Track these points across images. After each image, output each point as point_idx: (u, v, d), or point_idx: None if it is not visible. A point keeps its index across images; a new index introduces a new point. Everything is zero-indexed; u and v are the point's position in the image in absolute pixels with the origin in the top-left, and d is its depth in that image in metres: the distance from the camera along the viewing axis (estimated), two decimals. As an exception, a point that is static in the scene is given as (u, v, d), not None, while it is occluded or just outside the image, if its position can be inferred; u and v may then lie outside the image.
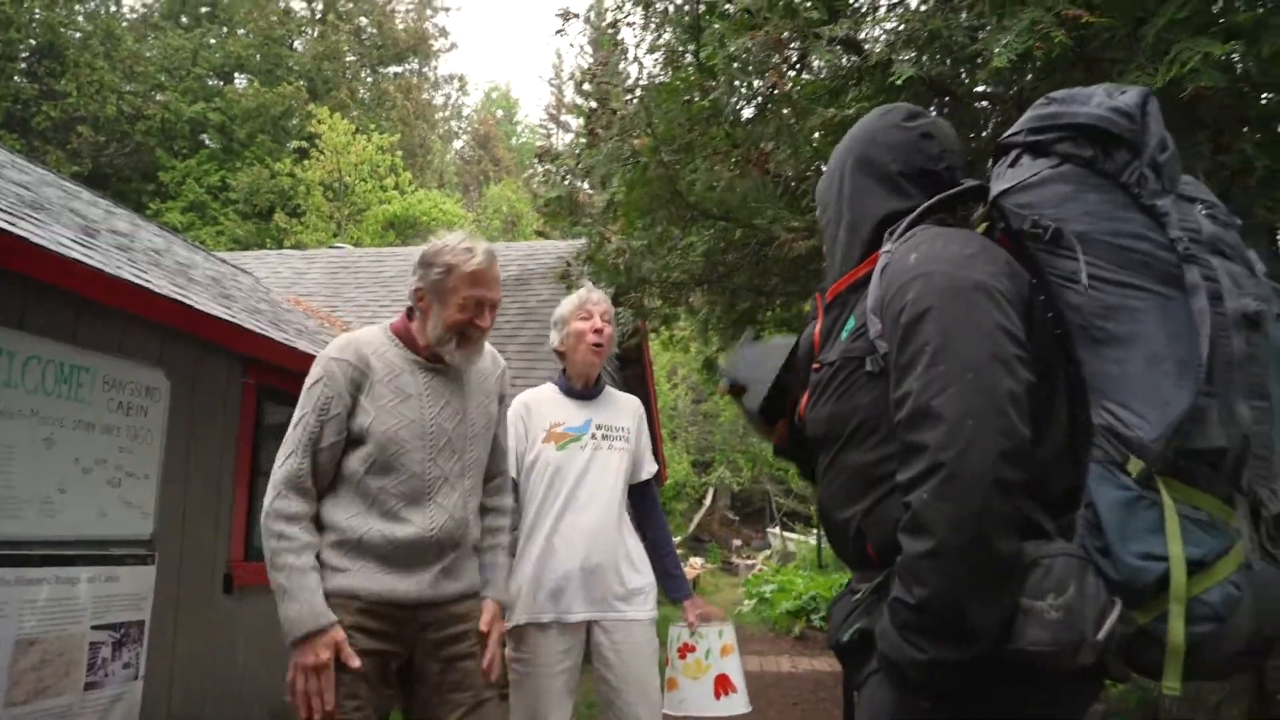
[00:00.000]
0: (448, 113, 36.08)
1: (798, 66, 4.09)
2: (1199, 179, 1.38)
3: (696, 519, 23.51)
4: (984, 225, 1.40)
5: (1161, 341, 1.17)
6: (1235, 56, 2.64)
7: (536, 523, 2.63)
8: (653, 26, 3.91)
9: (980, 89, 3.72)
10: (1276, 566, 1.18)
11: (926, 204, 1.40)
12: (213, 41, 25.26)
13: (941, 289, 1.22)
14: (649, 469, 2.86)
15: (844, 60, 3.83)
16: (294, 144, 23.21)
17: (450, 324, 2.07)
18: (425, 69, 31.90)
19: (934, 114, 4.11)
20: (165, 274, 4.28)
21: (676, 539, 2.80)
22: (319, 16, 27.66)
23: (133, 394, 3.61)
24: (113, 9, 24.78)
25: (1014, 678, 1.19)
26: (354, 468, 2.03)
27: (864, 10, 3.80)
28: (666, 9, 3.84)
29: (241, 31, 25.56)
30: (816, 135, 3.87)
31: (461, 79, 42.71)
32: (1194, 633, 1.12)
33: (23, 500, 3.09)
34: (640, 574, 2.69)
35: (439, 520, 2.06)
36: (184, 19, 25.90)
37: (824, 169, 4.23)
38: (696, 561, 16.00)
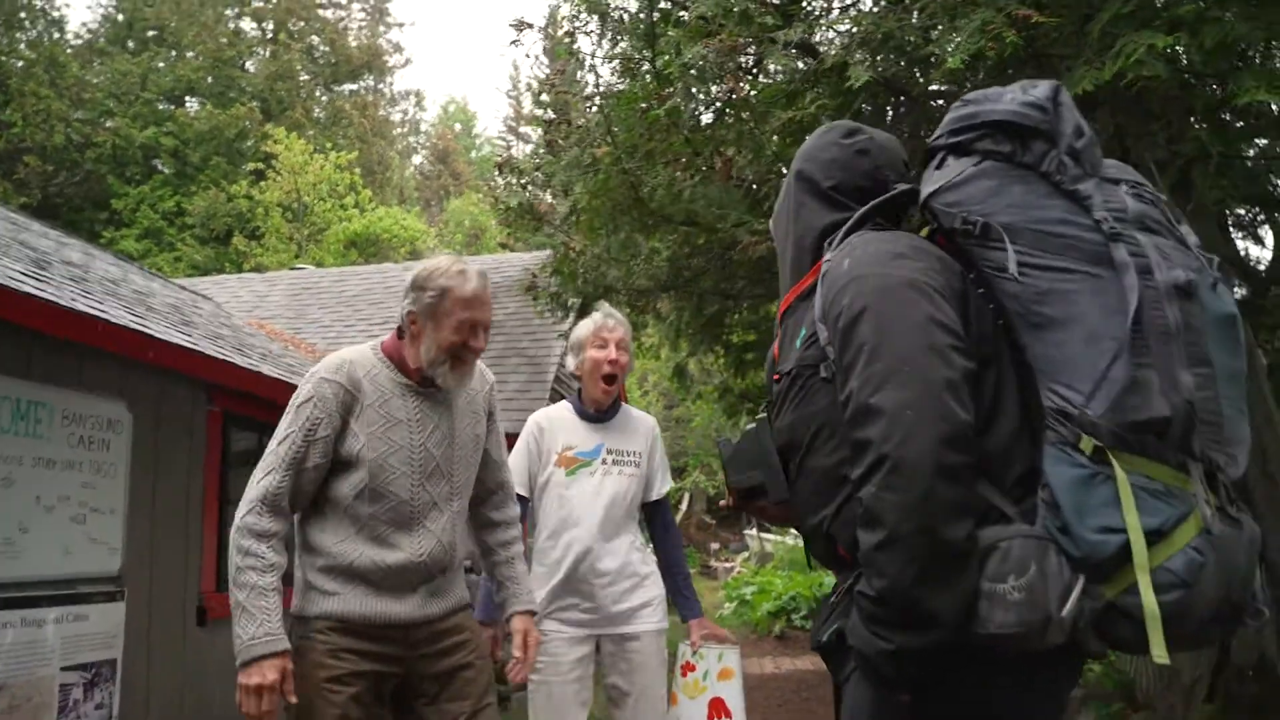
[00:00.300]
0: (405, 129, 35.85)
1: (754, 72, 4.12)
2: (1152, 169, 1.42)
3: (673, 525, 23.46)
4: (926, 228, 1.44)
5: (1097, 320, 1.20)
6: (1179, 49, 2.71)
7: (548, 543, 2.72)
8: (609, 35, 3.92)
9: (935, 88, 3.77)
10: (1236, 529, 1.21)
11: (860, 212, 1.46)
12: (161, 65, 24.87)
13: (873, 290, 1.27)
14: (660, 489, 2.89)
15: (800, 64, 3.86)
16: (250, 166, 22.91)
17: (445, 346, 2.05)
18: (381, 85, 31.68)
19: (890, 114, 4.19)
20: (122, 303, 4.20)
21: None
22: (270, 36, 27.37)
23: (94, 428, 3.53)
24: (56, 36, 24.30)
25: (989, 665, 1.21)
26: (343, 493, 2.02)
27: (817, 14, 3.84)
28: (622, 18, 3.85)
29: (191, 54, 25.20)
30: (775, 138, 3.90)
31: (418, 94, 42.55)
32: (1163, 601, 1.14)
33: (-17, 542, 3.01)
34: (648, 589, 2.76)
35: (427, 546, 2.06)
36: (130, 43, 25.47)
37: (785, 171, 4.27)
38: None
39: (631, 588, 2.72)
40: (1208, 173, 3.22)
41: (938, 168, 1.39)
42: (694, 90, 3.55)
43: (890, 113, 4.14)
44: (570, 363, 2.84)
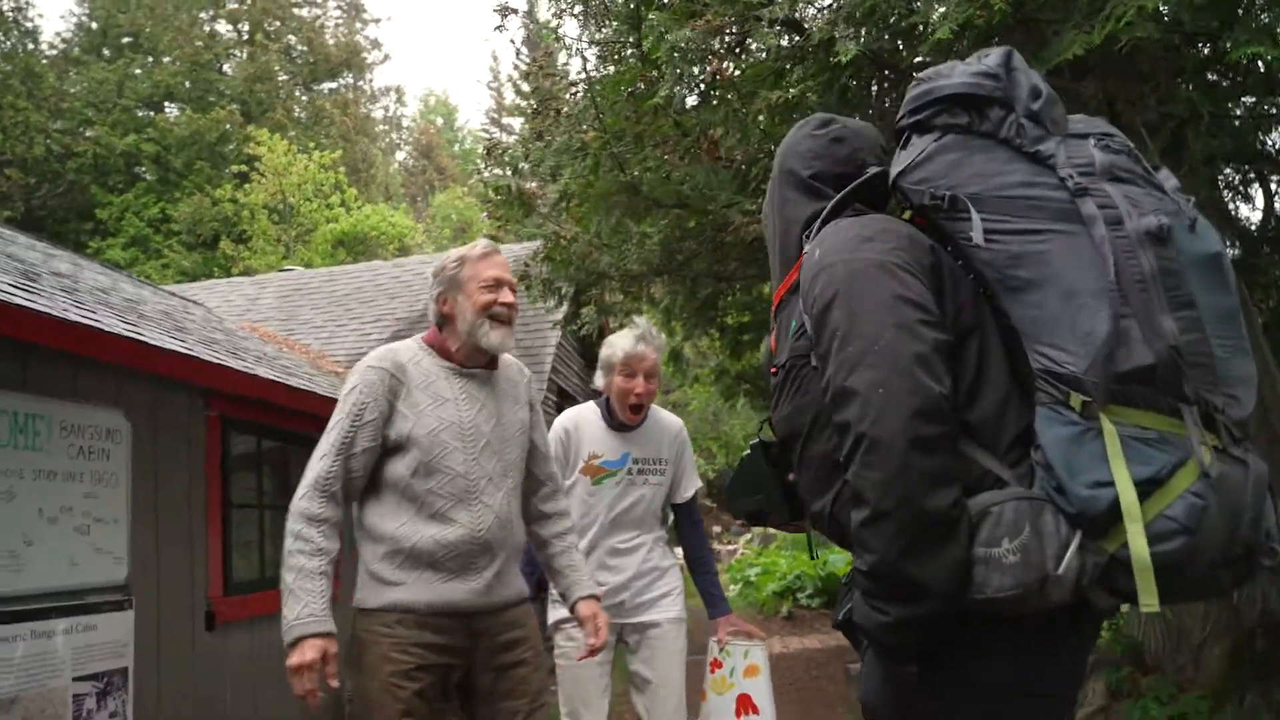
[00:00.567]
0: (387, 125, 35.65)
1: (738, 51, 4.09)
2: (1143, 132, 1.43)
3: (674, 510, 23.53)
4: (907, 210, 1.45)
5: (1072, 277, 1.21)
6: (1166, 8, 2.70)
7: None
8: (594, 19, 3.88)
9: (921, 60, 3.75)
10: (1241, 468, 1.21)
11: (834, 201, 1.48)
12: (139, 71, 24.64)
13: (841, 276, 1.30)
14: (687, 491, 2.94)
15: (783, 41, 3.84)
16: (233, 169, 22.75)
17: (479, 307, 2.14)
18: (360, 83, 31.49)
19: (875, 90, 4.17)
20: (114, 312, 4.17)
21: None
22: (246, 38, 27.14)
23: (93, 438, 3.51)
24: (30, 47, 24.06)
25: (992, 631, 1.22)
26: (400, 473, 2.08)
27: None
28: (605, 3, 3.81)
29: (168, 59, 24.97)
30: (762, 118, 3.88)
31: (399, 90, 42.21)
32: (1166, 550, 1.14)
33: (-12, 557, 3.00)
34: (668, 580, 2.83)
35: (486, 520, 2.11)
36: (106, 51, 25.22)
37: (774, 152, 4.25)
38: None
39: (652, 581, 2.79)
40: (1199, 133, 3.22)
41: (902, 148, 1.42)
42: (679, 73, 3.53)
43: (875, 88, 4.13)
44: (599, 380, 2.86)
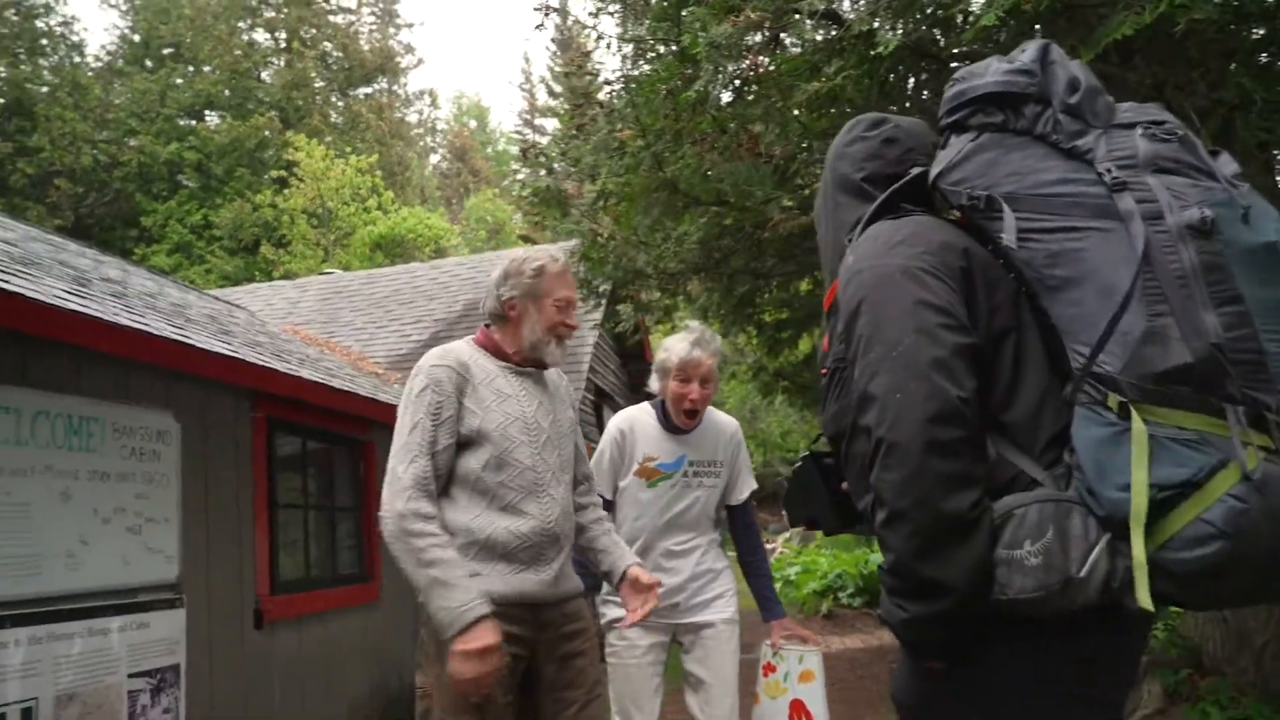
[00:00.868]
0: (422, 129, 36.00)
1: (773, 47, 4.06)
2: (1193, 117, 1.39)
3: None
4: (951, 210, 1.45)
5: (1109, 274, 1.20)
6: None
7: (628, 545, 2.81)
8: (632, 17, 3.88)
9: (960, 49, 3.70)
10: None
11: (875, 204, 1.48)
12: (180, 81, 25.16)
13: (868, 283, 1.32)
14: (742, 494, 2.92)
15: (821, 35, 3.80)
16: (272, 174, 23.15)
17: (549, 326, 2.22)
18: (395, 87, 31.84)
19: (913, 82, 4.11)
20: (163, 316, 4.25)
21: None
22: (284, 45, 27.57)
23: (144, 439, 3.58)
24: (76, 60, 24.66)
25: (1016, 631, 1.22)
26: (472, 467, 2.12)
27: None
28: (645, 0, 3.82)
29: (208, 68, 25.47)
30: (800, 112, 3.85)
31: (432, 93, 42.64)
32: (1203, 554, 1.11)
33: (46, 556, 3.07)
34: (722, 582, 2.83)
35: (554, 512, 2.18)
36: (148, 62, 25.79)
37: (813, 145, 4.22)
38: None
39: (707, 583, 2.79)
40: (1250, 119, 3.12)
41: (942, 148, 1.42)
42: (717, 69, 3.51)
43: (914, 80, 4.07)
44: (654, 384, 2.86)
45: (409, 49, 32.15)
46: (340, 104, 28.43)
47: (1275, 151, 4.28)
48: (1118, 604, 1.16)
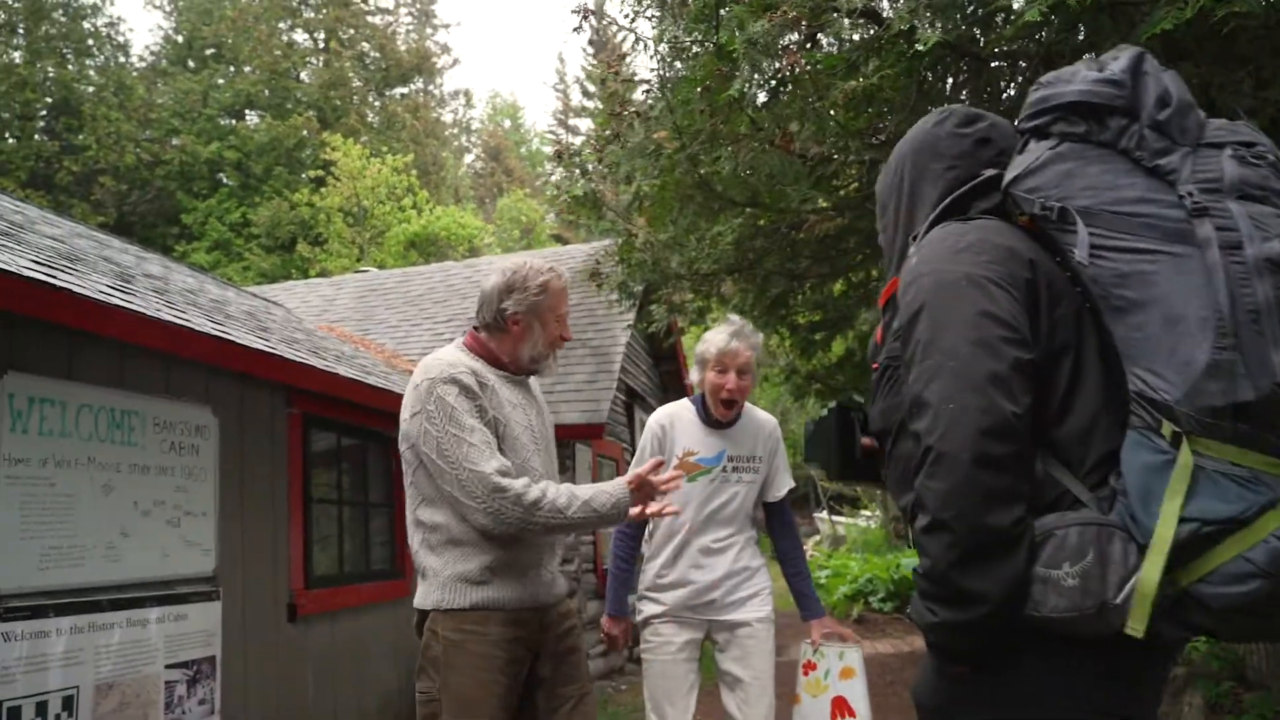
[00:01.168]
0: (456, 128, 36.28)
1: (809, 46, 4.03)
2: (1241, 117, 1.35)
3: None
4: (1022, 215, 1.41)
5: (1177, 302, 1.17)
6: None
7: (665, 540, 2.82)
8: (670, 17, 3.87)
9: (1001, 49, 3.64)
10: None
11: (942, 205, 1.44)
12: (221, 81, 25.60)
13: (930, 287, 1.30)
14: (780, 490, 2.93)
15: (856, 35, 3.76)
16: (310, 174, 23.46)
17: (551, 341, 2.26)
18: (431, 87, 32.12)
19: (950, 81, 4.05)
20: (203, 312, 4.32)
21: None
22: (322, 46, 27.93)
23: (183, 433, 3.64)
24: (121, 60, 25.18)
25: (1047, 648, 1.21)
26: None
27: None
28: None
29: (248, 69, 25.88)
30: (836, 110, 3.81)
31: (467, 94, 42.98)
32: (1240, 592, 1.10)
33: (88, 547, 3.13)
34: (757, 580, 2.84)
35: None
36: (190, 62, 26.28)
37: (849, 145, 4.18)
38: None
39: (742, 580, 2.79)
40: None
41: (1019, 152, 1.38)
42: (754, 67, 3.49)
43: (952, 80, 4.02)
44: (693, 375, 2.89)
45: (445, 49, 32.44)
46: (377, 104, 28.74)
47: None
48: (1155, 630, 1.15)
